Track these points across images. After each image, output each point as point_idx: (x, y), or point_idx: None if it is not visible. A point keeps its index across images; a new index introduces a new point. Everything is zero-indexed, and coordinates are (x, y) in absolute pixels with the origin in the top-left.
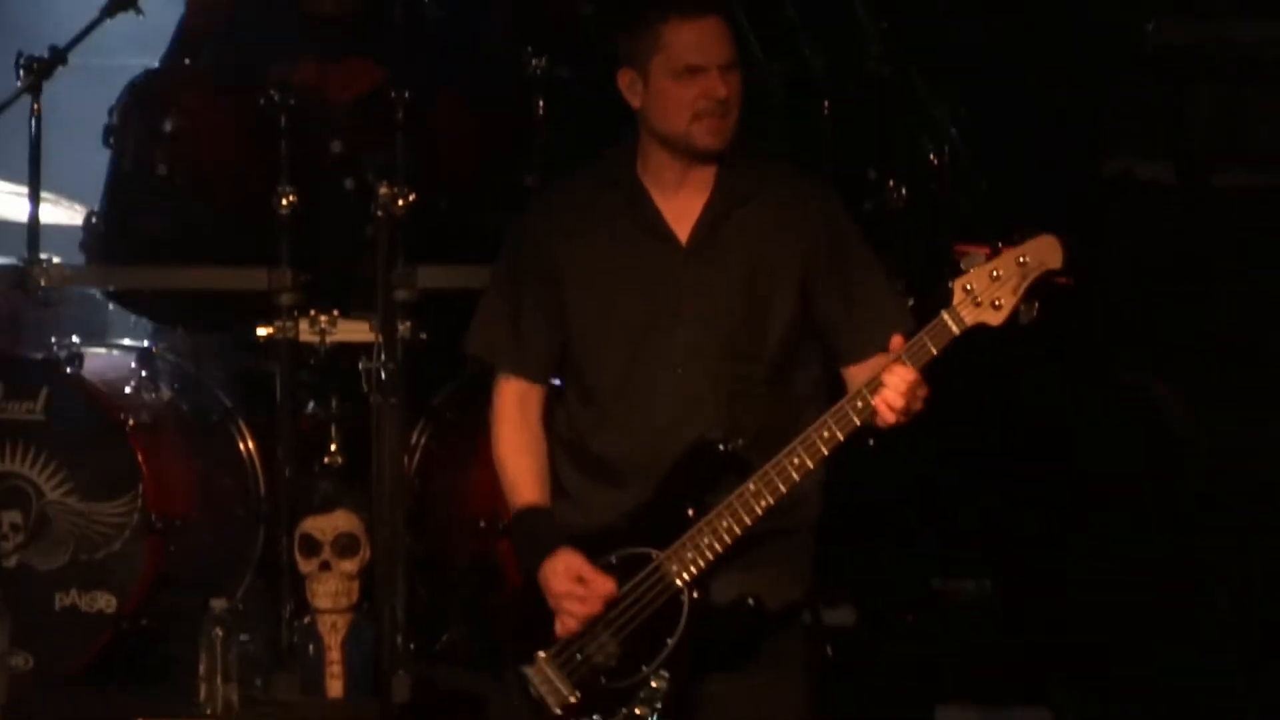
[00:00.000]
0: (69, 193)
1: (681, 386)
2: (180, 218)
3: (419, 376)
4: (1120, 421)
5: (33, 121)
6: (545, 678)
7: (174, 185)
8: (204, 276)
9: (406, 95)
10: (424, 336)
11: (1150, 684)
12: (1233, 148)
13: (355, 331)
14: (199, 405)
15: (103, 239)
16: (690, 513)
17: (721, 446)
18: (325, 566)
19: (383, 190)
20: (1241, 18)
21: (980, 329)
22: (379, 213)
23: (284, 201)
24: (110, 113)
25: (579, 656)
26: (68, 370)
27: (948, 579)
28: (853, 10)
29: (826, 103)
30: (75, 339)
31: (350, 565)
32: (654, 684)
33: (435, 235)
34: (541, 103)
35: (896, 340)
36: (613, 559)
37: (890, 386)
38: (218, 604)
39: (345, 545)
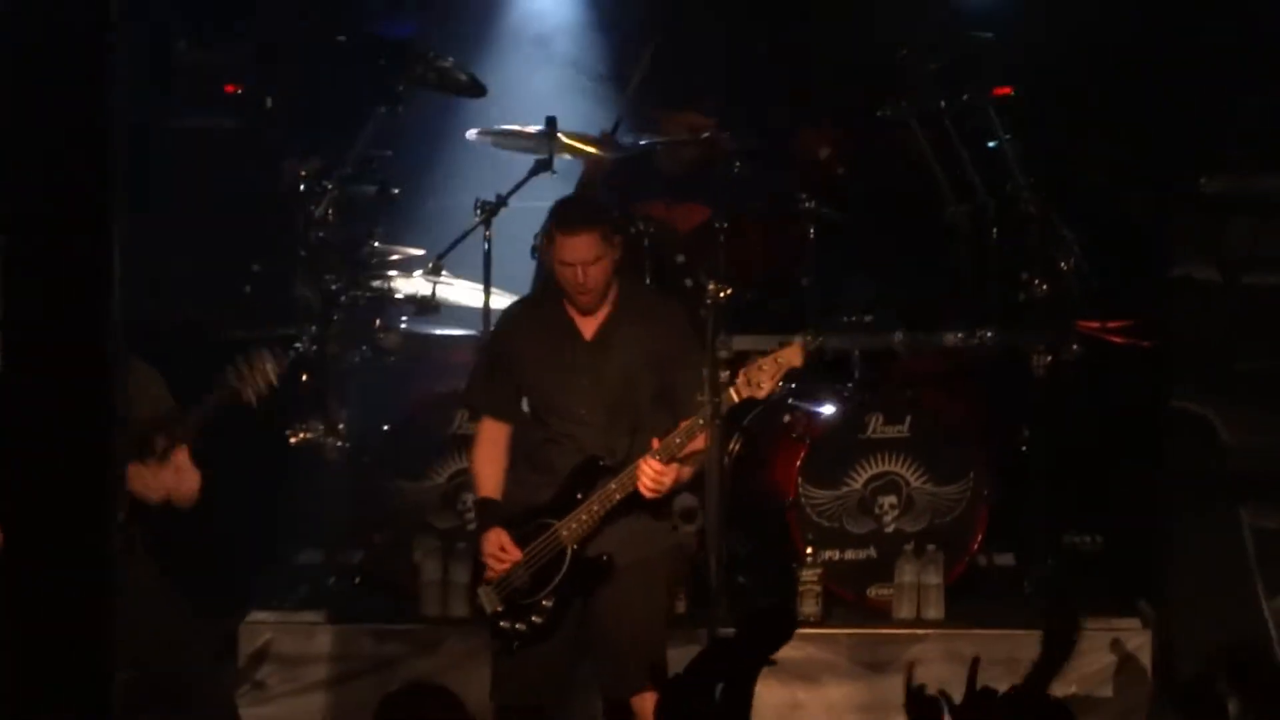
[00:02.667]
0: (509, 288)
1: (584, 426)
2: None
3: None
4: (1188, 434)
5: (485, 243)
6: (486, 595)
7: None
8: None
9: (724, 225)
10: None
11: (1200, 603)
12: (1257, 258)
13: None
14: None
15: None
16: (578, 497)
17: (601, 462)
18: (674, 528)
19: (710, 286)
20: (1264, 172)
21: (749, 400)
22: (708, 301)
23: None
24: (535, 236)
25: (504, 583)
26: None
27: (1074, 535)
28: (1009, 169)
29: (995, 230)
30: None
31: (690, 528)
32: (545, 603)
33: (743, 315)
34: (812, 230)
35: (654, 443)
36: (531, 525)
37: (646, 474)
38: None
39: (687, 514)
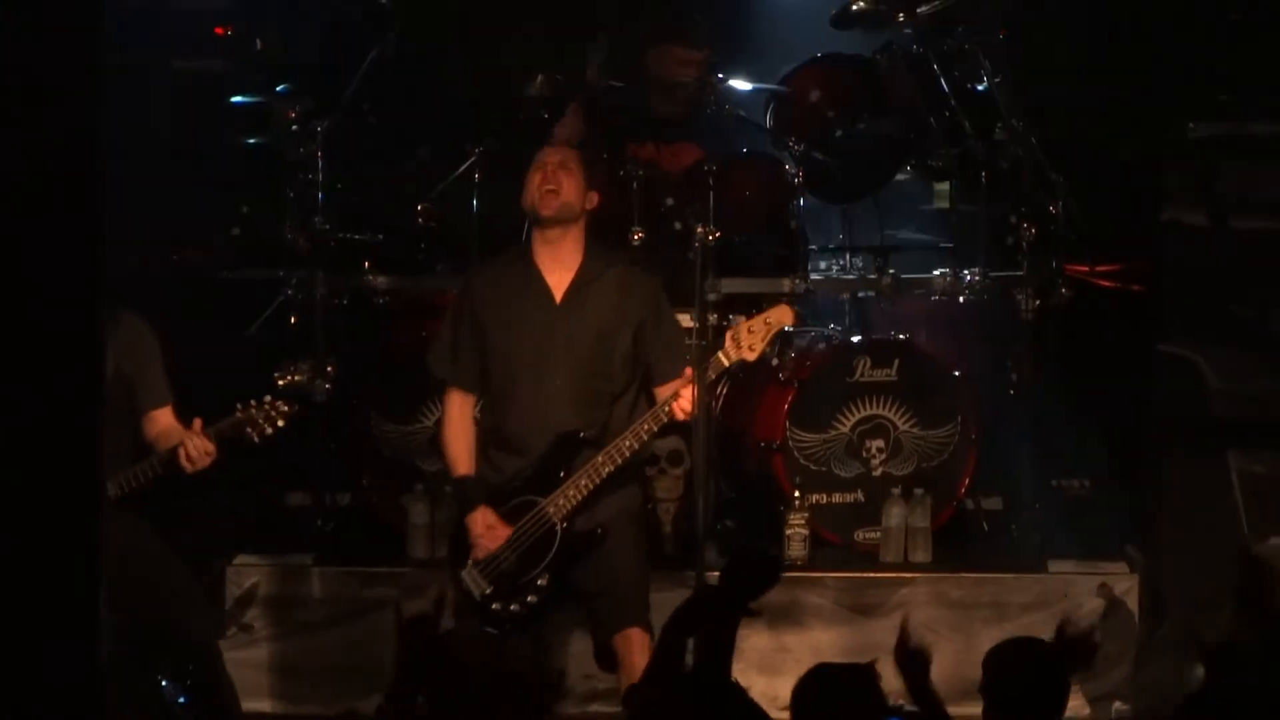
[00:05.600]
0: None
1: (558, 395)
2: None
3: None
4: (1176, 378)
5: (475, 185)
6: (472, 578)
7: None
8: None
9: (714, 167)
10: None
11: (1188, 547)
12: (1246, 203)
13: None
14: None
15: None
16: (561, 474)
17: (580, 434)
18: (661, 471)
19: (699, 229)
20: (1253, 117)
21: (740, 363)
22: (697, 244)
23: (635, 237)
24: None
25: (491, 564)
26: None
27: (1062, 479)
28: (999, 113)
29: (984, 173)
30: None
31: (678, 470)
32: (539, 582)
33: (732, 258)
34: (801, 171)
35: (688, 371)
36: (514, 503)
37: (684, 398)
38: None
39: (674, 457)
